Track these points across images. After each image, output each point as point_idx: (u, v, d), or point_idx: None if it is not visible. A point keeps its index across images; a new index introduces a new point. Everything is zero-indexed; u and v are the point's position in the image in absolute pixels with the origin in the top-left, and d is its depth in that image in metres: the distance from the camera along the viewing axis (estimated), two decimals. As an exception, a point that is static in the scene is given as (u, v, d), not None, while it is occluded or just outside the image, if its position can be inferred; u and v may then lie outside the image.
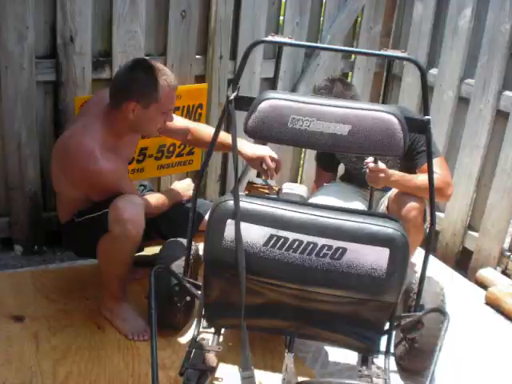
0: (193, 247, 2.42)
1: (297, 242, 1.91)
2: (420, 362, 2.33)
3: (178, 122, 2.68)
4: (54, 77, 2.81)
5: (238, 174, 3.43)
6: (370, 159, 2.64)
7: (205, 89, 3.16)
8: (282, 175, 3.56)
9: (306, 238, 1.90)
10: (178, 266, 2.35)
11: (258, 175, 2.72)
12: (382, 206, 3.00)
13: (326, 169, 3.29)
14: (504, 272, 3.20)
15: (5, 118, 2.77)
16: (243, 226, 1.92)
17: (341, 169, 3.33)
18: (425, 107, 1.97)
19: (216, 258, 1.98)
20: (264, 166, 2.62)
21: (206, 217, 2.66)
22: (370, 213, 2.15)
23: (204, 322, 2.13)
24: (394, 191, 2.83)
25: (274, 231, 1.92)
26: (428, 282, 2.33)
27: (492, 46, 3.13)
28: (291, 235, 1.91)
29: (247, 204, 1.95)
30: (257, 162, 2.62)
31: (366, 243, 1.89)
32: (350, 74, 3.74)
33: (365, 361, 2.11)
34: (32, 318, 2.48)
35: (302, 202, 2.10)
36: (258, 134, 1.89)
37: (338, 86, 2.78)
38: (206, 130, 2.73)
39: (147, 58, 2.81)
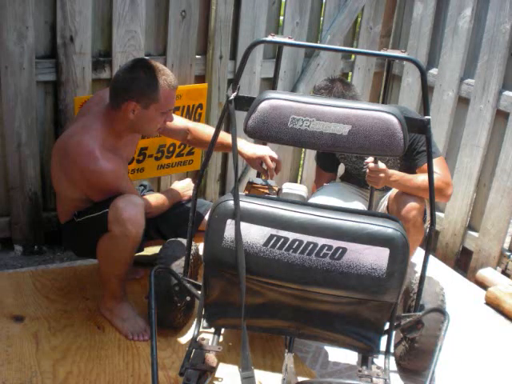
0: (193, 247, 2.42)
1: (297, 242, 1.90)
2: (420, 362, 2.33)
3: (178, 121, 2.68)
4: (54, 77, 2.82)
5: (238, 174, 3.47)
6: (370, 159, 2.64)
7: (205, 89, 3.16)
8: (282, 175, 3.57)
9: (306, 238, 1.90)
10: (177, 265, 2.35)
11: (258, 175, 2.72)
12: (382, 206, 3.00)
13: (326, 169, 3.29)
14: (504, 272, 3.20)
15: (5, 118, 2.77)
16: (243, 225, 1.92)
17: (341, 169, 3.33)
18: (425, 107, 1.97)
19: (216, 258, 1.98)
20: (264, 166, 2.62)
21: (206, 217, 2.66)
22: (370, 213, 2.14)
23: (204, 322, 2.13)
24: (394, 191, 2.83)
25: (274, 231, 1.92)
26: (428, 282, 2.33)
27: (492, 46, 3.13)
28: (291, 235, 1.91)
29: (247, 204, 1.95)
30: (257, 162, 2.62)
31: (365, 243, 1.89)
32: (350, 74, 3.74)
33: (365, 361, 2.11)
34: (32, 318, 2.48)
35: (302, 202, 2.09)
36: (258, 134, 1.89)
37: (337, 86, 2.79)
38: (205, 130, 2.73)
39: (147, 58, 2.81)
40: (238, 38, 3.22)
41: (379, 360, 2.12)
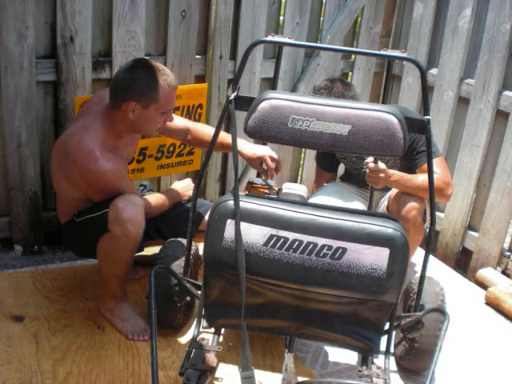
0: (193, 247, 2.42)
1: (297, 242, 1.90)
2: (420, 362, 2.33)
3: (178, 121, 2.68)
4: (54, 77, 2.82)
5: (238, 174, 3.47)
6: (370, 159, 2.64)
7: (205, 89, 3.16)
8: (282, 175, 3.57)
9: (306, 238, 1.90)
10: (177, 265, 2.35)
11: (258, 175, 2.72)
12: (382, 206, 3.00)
13: (326, 169, 3.29)
14: (504, 272, 3.20)
15: (5, 118, 2.77)
16: (243, 225, 1.92)
17: (341, 169, 3.33)
18: (425, 107, 1.97)
19: (216, 258, 1.98)
20: (264, 166, 2.62)
21: (206, 217, 2.66)
22: (370, 213, 2.14)
23: (204, 322, 2.13)
24: (394, 191, 2.83)
25: (274, 231, 1.92)
26: (428, 282, 2.33)
27: (492, 46, 3.13)
28: (291, 235, 1.91)
29: (247, 204, 1.95)
30: (257, 162, 2.62)
31: (366, 243, 1.89)
32: (350, 74, 3.74)
33: (365, 361, 2.11)
34: (32, 318, 2.48)
35: (302, 202, 2.09)
36: (258, 134, 1.89)
37: (337, 86, 2.79)
38: (205, 130, 2.73)
39: (147, 58, 2.81)
40: (238, 38, 3.22)
41: (379, 360, 2.12)
